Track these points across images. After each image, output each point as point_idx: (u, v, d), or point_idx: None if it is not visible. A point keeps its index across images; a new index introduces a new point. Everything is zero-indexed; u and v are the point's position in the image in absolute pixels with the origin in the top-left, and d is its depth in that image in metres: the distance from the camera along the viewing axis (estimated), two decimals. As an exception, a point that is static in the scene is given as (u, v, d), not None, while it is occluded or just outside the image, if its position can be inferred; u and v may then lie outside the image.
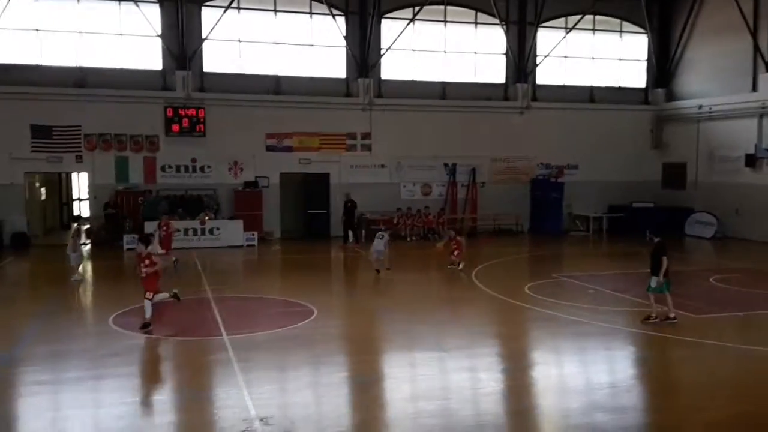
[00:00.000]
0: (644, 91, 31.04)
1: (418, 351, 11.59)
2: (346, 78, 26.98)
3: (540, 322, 13.58)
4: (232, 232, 24.04)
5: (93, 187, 24.89)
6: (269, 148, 26.09)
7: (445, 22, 27.91)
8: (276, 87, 26.13)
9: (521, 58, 28.59)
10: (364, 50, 26.69)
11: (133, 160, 24.73)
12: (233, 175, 25.76)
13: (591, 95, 30.06)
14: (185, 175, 25.28)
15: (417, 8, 26.77)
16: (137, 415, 8.72)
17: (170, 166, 25.08)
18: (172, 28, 24.81)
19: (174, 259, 18.60)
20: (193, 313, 13.96)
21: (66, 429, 8.33)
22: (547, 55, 28.78)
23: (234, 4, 25.00)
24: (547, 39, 28.84)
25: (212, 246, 23.40)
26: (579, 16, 28.51)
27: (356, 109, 26.80)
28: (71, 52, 24.02)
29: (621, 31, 30.39)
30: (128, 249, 21.55)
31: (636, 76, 30.95)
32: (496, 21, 27.75)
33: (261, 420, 8.18)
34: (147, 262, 12.43)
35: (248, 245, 23.98)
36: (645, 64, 30.91)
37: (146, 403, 9.20)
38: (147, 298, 12.34)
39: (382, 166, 27.42)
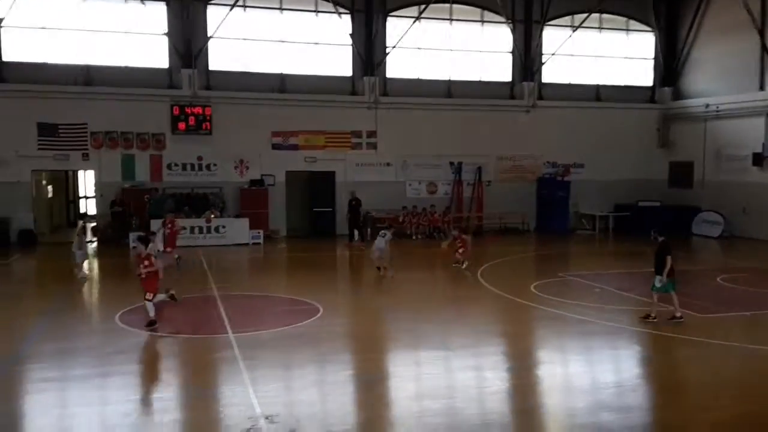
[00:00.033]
0: (651, 89, 30.94)
1: (424, 349, 11.58)
2: (352, 76, 26.98)
3: (546, 321, 13.55)
4: (238, 230, 24.08)
5: (99, 185, 24.96)
6: (275, 147, 26.11)
7: (451, 20, 27.86)
8: (282, 85, 26.15)
9: (527, 57, 28.52)
10: (369, 48, 26.68)
11: (139, 158, 24.81)
12: (239, 173, 25.79)
13: (597, 94, 29.97)
14: (191, 173, 25.32)
15: (423, 6, 26.73)
16: (143, 413, 8.75)
17: (176, 164, 25.13)
18: (179, 26, 24.85)
19: (177, 256, 18.64)
20: (199, 311, 14.00)
21: (72, 426, 8.36)
22: (554, 54, 28.71)
23: (240, 3, 25.03)
24: (553, 37, 28.78)
25: (218, 244, 23.45)
26: (585, 15, 28.43)
27: (362, 108, 26.80)
28: (78, 51, 24.08)
29: (627, 30, 30.28)
30: (134, 247, 21.54)
31: (642, 75, 30.84)
32: (503, 19, 27.70)
33: (266, 418, 8.20)
34: (146, 263, 12.45)
35: (254, 243, 24.02)
36: (652, 62, 30.80)
37: (152, 401, 9.23)
38: (147, 299, 12.39)
39: (388, 164, 27.41)
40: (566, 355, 11.64)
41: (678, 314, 12.90)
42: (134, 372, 10.37)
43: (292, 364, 10.69)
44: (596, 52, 29.88)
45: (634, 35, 30.41)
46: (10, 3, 22.70)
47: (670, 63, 30.29)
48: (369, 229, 25.60)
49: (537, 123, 28.59)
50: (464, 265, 18.75)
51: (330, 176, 26.65)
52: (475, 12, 28.08)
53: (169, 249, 17.84)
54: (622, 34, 30.27)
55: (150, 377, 10.33)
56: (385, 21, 26.95)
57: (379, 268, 18.12)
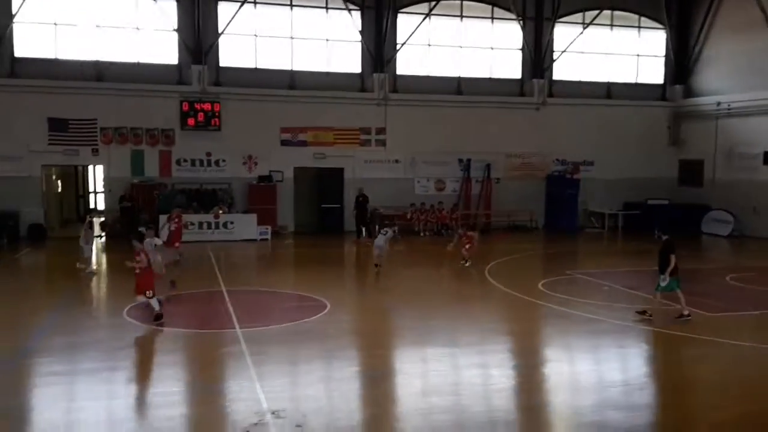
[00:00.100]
0: (662, 87, 30.76)
1: (430, 346, 11.57)
2: (362, 73, 26.96)
3: (553, 319, 13.51)
4: (246, 226, 24.13)
5: (108, 180, 25.06)
6: (284, 143, 26.13)
7: (462, 17, 27.77)
8: (291, 81, 26.16)
9: (538, 54, 28.41)
10: (379, 45, 26.65)
11: (148, 154, 24.89)
12: (248, 169, 25.83)
13: (608, 91, 29.82)
14: (200, 168, 25.38)
15: (433, 3, 26.71)
16: (150, 407, 8.79)
17: (185, 160, 25.21)
18: (189, 22, 24.90)
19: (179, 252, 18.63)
20: (207, 306, 14.06)
21: (80, 419, 8.40)
22: (564, 51, 28.60)
23: (250, -1, 25.09)
24: (564, 34, 28.66)
25: (226, 240, 23.49)
26: (596, 12, 28.32)
27: (371, 104, 26.78)
28: (88, 46, 24.15)
29: (639, 27, 30.09)
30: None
31: (654, 72, 30.66)
32: (513, 16, 27.61)
33: (273, 413, 8.22)
34: (137, 258, 12.45)
35: (262, 239, 24.05)
36: (663, 60, 30.62)
37: (159, 395, 9.26)
38: (147, 297, 12.42)
39: (396, 161, 27.38)
40: (573, 353, 11.62)
41: (685, 312, 12.84)
42: (142, 366, 10.43)
43: (299, 360, 10.72)
44: (607, 49, 29.72)
45: (645, 32, 30.21)
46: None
47: (681, 60, 30.09)
48: (377, 226, 25.56)
49: (547, 120, 28.46)
50: (467, 264, 18.72)
51: (338, 173, 26.66)
52: (485, 9, 27.99)
53: (177, 244, 17.85)
54: (633, 31, 30.08)
55: (157, 372, 10.38)
56: (395, 17, 26.89)
57: (377, 265, 18.11)
